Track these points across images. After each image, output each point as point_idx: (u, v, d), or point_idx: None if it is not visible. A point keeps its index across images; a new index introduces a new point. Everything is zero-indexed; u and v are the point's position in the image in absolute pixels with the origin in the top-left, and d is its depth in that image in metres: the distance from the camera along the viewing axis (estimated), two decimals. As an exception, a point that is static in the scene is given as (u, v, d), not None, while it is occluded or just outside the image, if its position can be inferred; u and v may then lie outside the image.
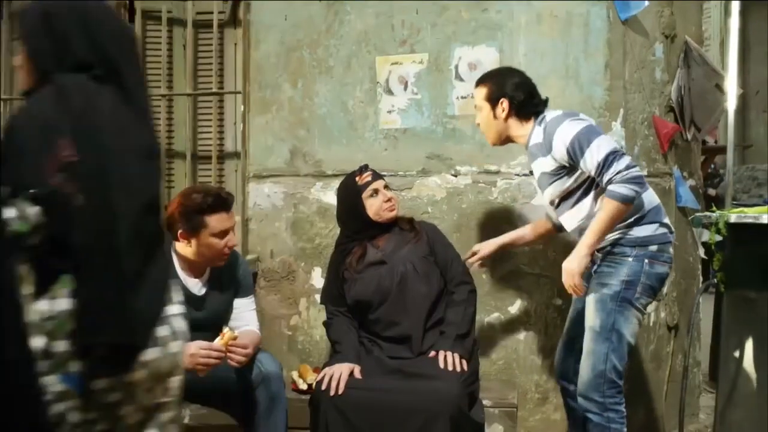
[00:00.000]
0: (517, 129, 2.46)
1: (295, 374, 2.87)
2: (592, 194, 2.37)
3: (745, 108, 7.93)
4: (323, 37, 3.16)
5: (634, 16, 3.01)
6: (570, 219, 2.45)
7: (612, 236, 2.35)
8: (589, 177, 2.34)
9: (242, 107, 3.21)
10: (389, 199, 2.61)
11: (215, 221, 2.35)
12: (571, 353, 2.55)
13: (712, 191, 6.55)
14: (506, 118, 2.45)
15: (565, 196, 2.43)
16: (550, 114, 2.43)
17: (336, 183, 2.82)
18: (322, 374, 2.42)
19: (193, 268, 2.47)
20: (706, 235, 2.72)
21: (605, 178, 2.22)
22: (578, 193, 2.39)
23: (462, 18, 3.04)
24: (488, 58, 2.99)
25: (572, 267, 2.31)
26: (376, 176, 2.64)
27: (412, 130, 3.10)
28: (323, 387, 2.35)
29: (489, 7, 3.01)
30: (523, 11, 2.99)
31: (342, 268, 2.63)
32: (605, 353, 2.32)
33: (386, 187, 2.64)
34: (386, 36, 3.11)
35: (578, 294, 2.37)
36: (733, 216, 2.51)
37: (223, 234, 2.37)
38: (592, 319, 2.36)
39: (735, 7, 2.92)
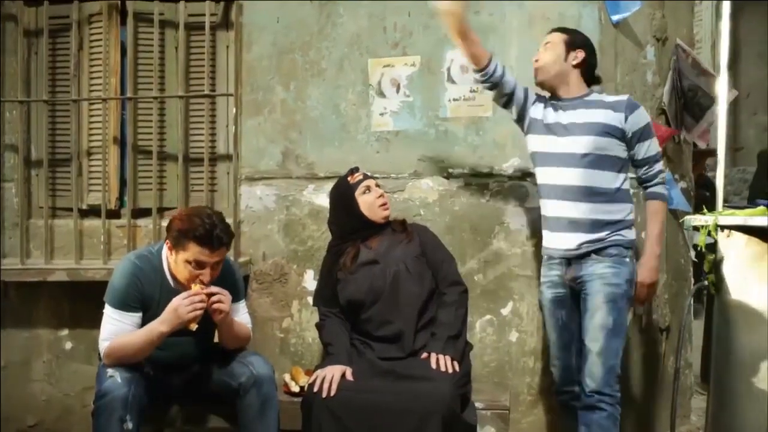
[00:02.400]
0: (575, 82, 2.56)
1: (287, 377, 2.87)
2: (622, 178, 2.50)
3: (736, 110, 7.96)
4: (315, 39, 3.16)
5: (626, 18, 3.02)
6: (578, 178, 2.47)
7: (613, 237, 2.47)
8: (623, 159, 2.50)
9: (234, 109, 3.20)
10: (381, 195, 2.65)
11: (194, 250, 2.31)
12: (571, 356, 2.59)
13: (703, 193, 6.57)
14: (574, 67, 2.55)
15: (596, 160, 2.46)
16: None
17: (328, 185, 2.82)
18: (314, 376, 2.42)
19: None
20: (697, 238, 2.72)
21: (653, 169, 2.51)
22: (610, 164, 2.47)
23: (454, 20, 3.03)
24: (480, 61, 2.99)
25: (653, 279, 2.52)
26: (367, 176, 2.69)
27: (404, 133, 3.10)
28: (315, 389, 2.35)
29: (481, 9, 3.02)
30: (514, 14, 3.00)
31: (335, 269, 2.64)
32: (617, 349, 2.45)
33: (377, 185, 2.68)
34: (378, 38, 3.11)
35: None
36: (724, 218, 2.52)
37: (197, 265, 2.34)
38: (604, 317, 2.43)
39: (726, 9, 2.92)
